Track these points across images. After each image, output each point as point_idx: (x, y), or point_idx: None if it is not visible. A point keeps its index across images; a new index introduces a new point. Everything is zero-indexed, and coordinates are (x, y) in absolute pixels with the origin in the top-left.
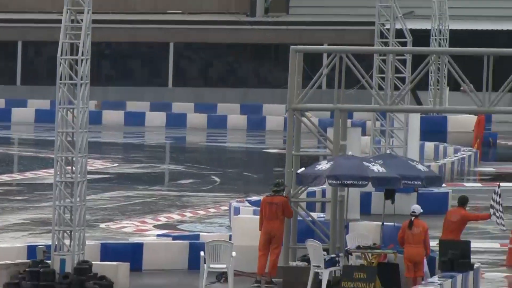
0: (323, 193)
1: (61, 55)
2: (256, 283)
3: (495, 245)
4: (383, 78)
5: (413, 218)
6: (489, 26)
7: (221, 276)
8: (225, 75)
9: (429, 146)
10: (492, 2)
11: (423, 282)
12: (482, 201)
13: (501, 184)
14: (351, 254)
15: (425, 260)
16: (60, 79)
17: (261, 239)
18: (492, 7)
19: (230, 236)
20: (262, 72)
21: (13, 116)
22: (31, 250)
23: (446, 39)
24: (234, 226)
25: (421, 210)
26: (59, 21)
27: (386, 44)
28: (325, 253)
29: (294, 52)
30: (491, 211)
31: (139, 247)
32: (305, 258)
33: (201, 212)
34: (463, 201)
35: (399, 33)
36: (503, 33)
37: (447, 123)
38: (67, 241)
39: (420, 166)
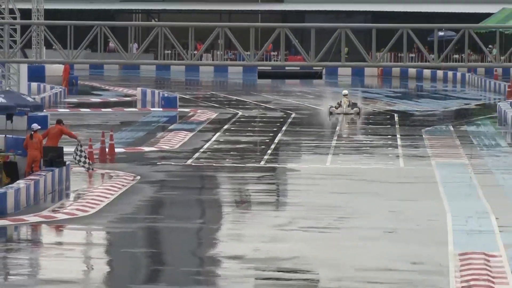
0: None
1: None
2: None
3: None
4: None
5: (32, 132)
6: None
7: None
8: None
9: (34, 85)
10: None
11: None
12: (71, 121)
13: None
14: None
15: (41, 160)
16: None
17: None
18: None
19: None
20: None
21: None
22: None
23: (42, 15)
24: None
25: (39, 127)
26: None
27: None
28: None
29: None
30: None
31: None
32: None
33: None
34: (59, 121)
35: (11, 11)
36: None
37: (45, 69)
38: None
39: (29, 98)
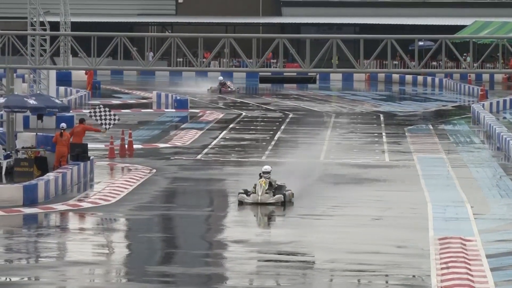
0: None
1: None
2: None
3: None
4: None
5: (62, 131)
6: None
7: None
8: None
9: (61, 89)
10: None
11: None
12: (94, 121)
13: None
14: (19, 151)
15: (68, 156)
16: None
17: None
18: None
19: None
20: None
21: None
22: None
23: (68, 27)
24: None
25: (65, 126)
26: None
27: (34, 29)
28: (4, 151)
29: None
30: (93, 118)
31: None
32: None
33: None
34: (82, 120)
35: (42, 23)
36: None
37: (72, 74)
38: None
39: (57, 100)
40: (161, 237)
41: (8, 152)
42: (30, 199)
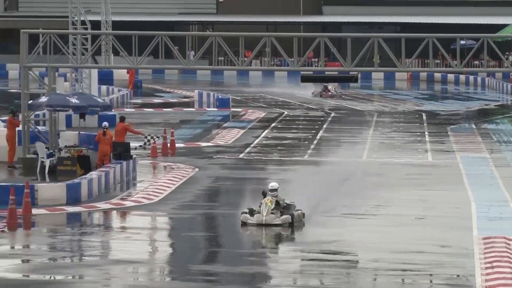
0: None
1: None
2: (8, 167)
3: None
4: None
5: (105, 129)
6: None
7: None
8: None
9: (103, 87)
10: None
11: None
12: (136, 119)
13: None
14: (62, 150)
15: (111, 154)
16: None
17: (9, 141)
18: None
19: None
20: None
21: None
22: None
23: (110, 26)
24: None
25: (107, 125)
26: None
27: (76, 28)
28: (47, 149)
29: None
30: (148, 137)
31: None
32: (35, 152)
33: None
34: (122, 119)
35: (83, 22)
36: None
37: (113, 73)
38: None
39: (99, 99)
40: (204, 236)
41: (51, 151)
42: (73, 197)
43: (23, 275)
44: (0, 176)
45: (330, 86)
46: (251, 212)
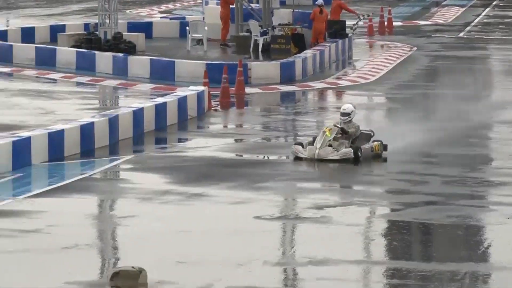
0: None
1: None
2: (221, 45)
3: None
4: None
5: (321, 7)
6: None
7: (199, 41)
8: None
9: None
10: None
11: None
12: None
13: None
14: (276, 28)
15: (326, 33)
16: None
17: (223, 19)
18: None
19: (203, 17)
20: None
21: None
22: (86, 26)
23: None
24: (206, 11)
25: (322, 3)
26: None
27: None
28: (260, 28)
29: None
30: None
31: (150, 25)
32: (248, 30)
33: (185, 4)
34: None
35: None
36: None
37: None
38: (107, 20)
39: None
40: (421, 115)
41: (265, 29)
42: (287, 76)
43: (236, 155)
44: (213, 54)
45: None
46: (308, 144)
